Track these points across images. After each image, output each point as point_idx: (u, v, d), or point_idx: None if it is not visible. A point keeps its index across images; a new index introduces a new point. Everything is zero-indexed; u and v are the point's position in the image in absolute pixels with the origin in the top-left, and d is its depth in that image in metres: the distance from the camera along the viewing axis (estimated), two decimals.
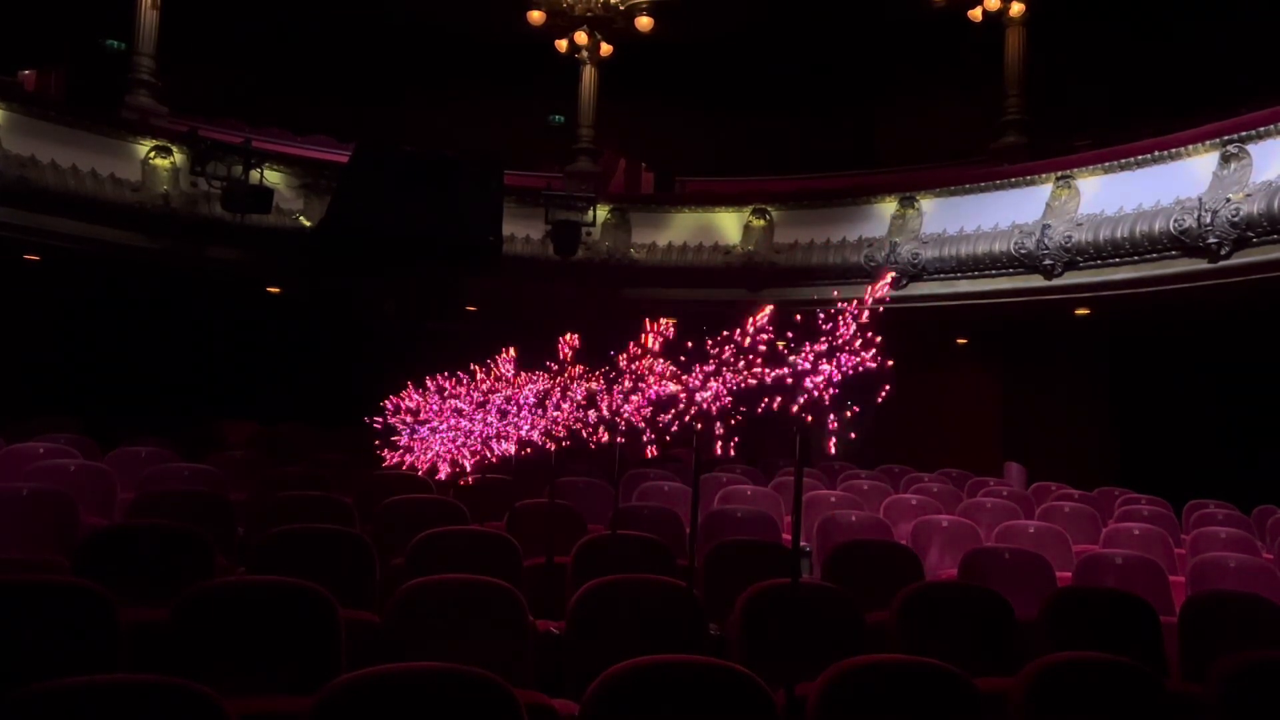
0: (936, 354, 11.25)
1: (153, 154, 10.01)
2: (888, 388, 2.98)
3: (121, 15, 10.74)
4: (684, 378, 3.90)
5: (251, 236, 10.24)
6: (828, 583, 4.47)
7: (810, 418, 2.92)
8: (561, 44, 12.15)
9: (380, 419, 7.38)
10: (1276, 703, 3.00)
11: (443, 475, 6.65)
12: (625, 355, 4.40)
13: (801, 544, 4.31)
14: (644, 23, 11.81)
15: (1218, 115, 8.43)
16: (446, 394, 6.77)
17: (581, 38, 12.07)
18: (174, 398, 10.73)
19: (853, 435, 2.91)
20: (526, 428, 5.62)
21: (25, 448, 6.84)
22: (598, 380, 4.88)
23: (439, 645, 3.13)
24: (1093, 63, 11.25)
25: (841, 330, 2.92)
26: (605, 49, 12.26)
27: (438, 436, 6.81)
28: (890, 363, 2.96)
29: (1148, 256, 8.49)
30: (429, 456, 6.85)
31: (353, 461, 8.09)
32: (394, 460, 7.17)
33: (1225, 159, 8.11)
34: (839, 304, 2.98)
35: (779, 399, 3.08)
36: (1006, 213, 9.68)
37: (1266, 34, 9.33)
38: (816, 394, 2.90)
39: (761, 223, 11.38)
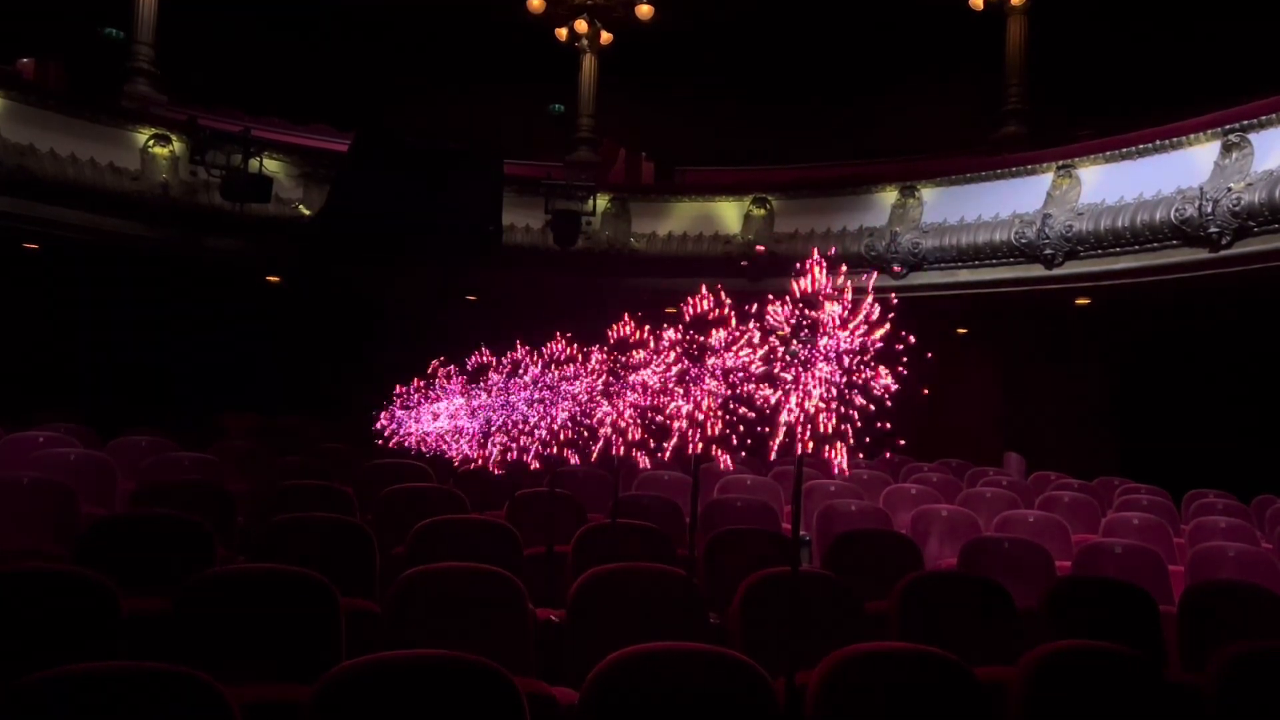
0: (937, 344, 11.24)
1: (152, 143, 9.98)
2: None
3: (120, 3, 10.70)
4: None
5: (251, 226, 10.23)
6: (827, 572, 4.47)
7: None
8: (561, 32, 12.12)
9: (377, 413, 7.42)
10: (1275, 692, 3.00)
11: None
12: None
13: (801, 533, 4.31)
14: (644, 11, 11.77)
15: (1219, 104, 8.41)
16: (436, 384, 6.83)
17: (582, 26, 12.04)
18: (173, 387, 10.73)
19: (900, 442, 2.86)
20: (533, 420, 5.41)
21: (25, 437, 6.82)
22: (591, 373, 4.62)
23: (439, 633, 3.13)
24: (1094, 51, 11.21)
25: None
26: (605, 37, 12.23)
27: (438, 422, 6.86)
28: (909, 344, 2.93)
29: (1149, 246, 8.49)
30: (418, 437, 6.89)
31: (353, 451, 8.08)
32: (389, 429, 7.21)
33: (1227, 148, 8.09)
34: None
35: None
36: (1007, 202, 9.67)
37: (1269, 22, 9.30)
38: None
39: (762, 212, 11.36)
